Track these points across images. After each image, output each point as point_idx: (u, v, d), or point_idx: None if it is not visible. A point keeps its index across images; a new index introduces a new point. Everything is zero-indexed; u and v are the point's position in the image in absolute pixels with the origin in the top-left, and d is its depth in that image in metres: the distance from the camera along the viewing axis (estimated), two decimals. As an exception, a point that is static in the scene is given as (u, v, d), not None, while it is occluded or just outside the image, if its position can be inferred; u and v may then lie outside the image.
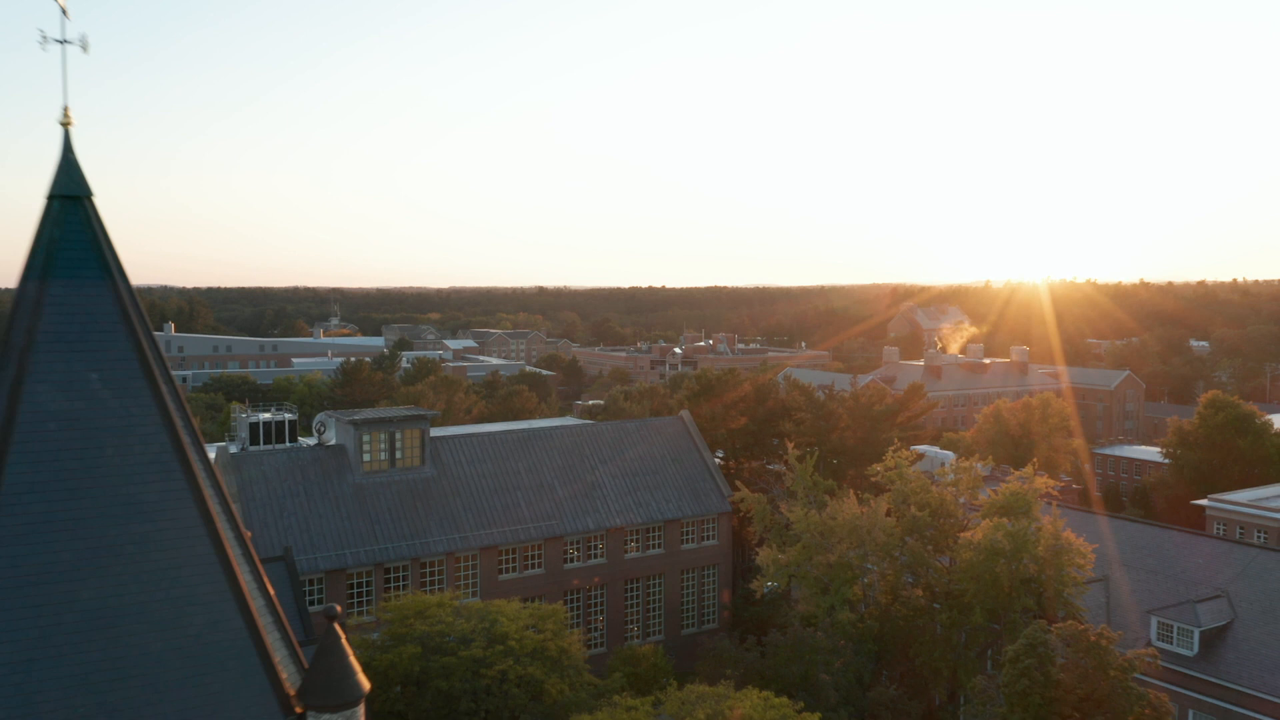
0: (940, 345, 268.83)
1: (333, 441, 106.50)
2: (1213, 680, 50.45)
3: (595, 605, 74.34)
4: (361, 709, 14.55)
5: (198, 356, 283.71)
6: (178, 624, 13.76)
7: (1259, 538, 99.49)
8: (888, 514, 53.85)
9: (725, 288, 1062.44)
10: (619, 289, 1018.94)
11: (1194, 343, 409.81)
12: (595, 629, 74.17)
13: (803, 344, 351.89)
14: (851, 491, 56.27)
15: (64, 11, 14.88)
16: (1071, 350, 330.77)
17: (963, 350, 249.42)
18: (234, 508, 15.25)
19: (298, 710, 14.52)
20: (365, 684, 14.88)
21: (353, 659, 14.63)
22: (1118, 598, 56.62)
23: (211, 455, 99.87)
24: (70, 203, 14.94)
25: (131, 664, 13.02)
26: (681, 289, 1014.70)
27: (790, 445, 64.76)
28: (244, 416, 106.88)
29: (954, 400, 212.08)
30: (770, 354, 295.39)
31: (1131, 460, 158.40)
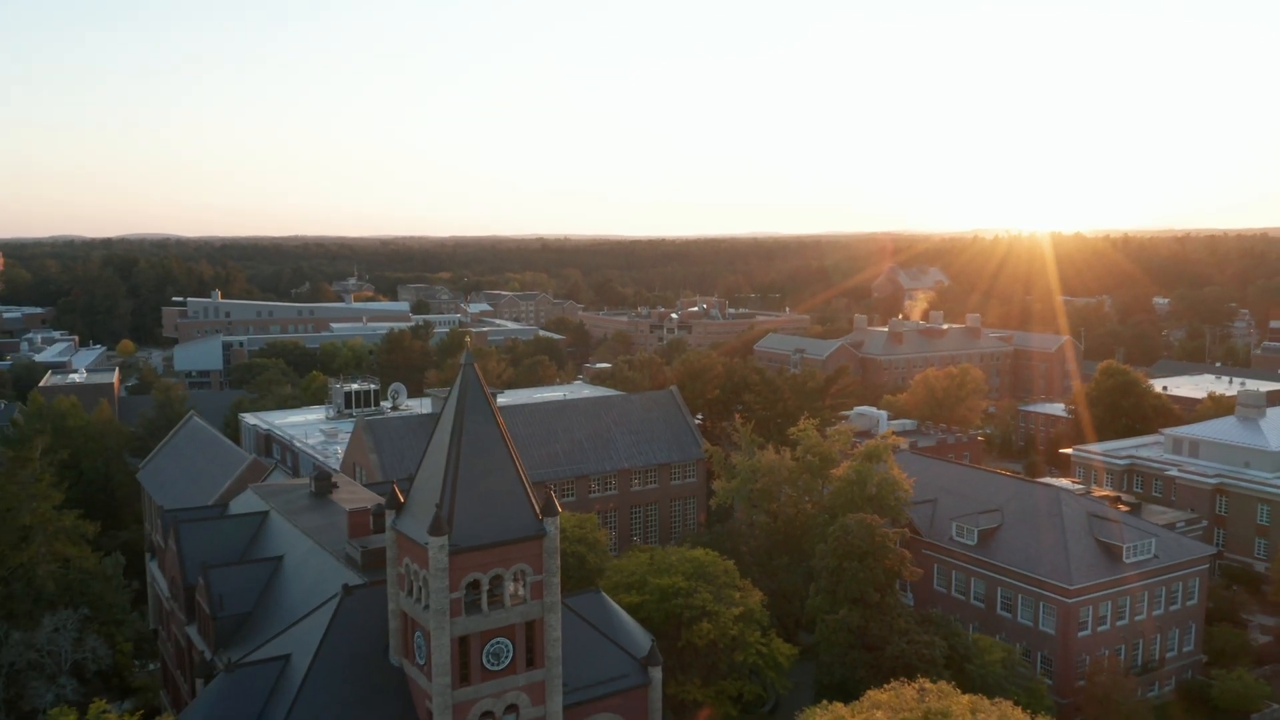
0: (904, 313, 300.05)
1: (404, 406, 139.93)
2: (984, 559, 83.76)
3: (610, 523, 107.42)
4: (559, 519, 47.44)
5: (243, 321, 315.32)
6: (501, 472, 47.12)
7: (1106, 480, 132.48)
8: (795, 459, 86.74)
9: (724, 239, 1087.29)
10: (620, 241, 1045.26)
11: (1157, 300, 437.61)
12: (610, 541, 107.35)
13: (786, 309, 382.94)
14: (771, 445, 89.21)
15: (467, 346, 47.22)
16: (1043, 309, 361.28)
17: (925, 316, 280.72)
18: (509, 437, 48.39)
19: (539, 518, 47.33)
20: (560, 509, 47.62)
21: (555, 500, 47.67)
22: (940, 511, 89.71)
23: (319, 416, 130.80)
24: (468, 369, 47.85)
25: (495, 482, 46.90)
26: (681, 241, 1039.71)
27: (738, 416, 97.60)
28: (339, 386, 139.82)
29: (912, 363, 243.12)
30: (758, 318, 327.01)
31: (1046, 415, 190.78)
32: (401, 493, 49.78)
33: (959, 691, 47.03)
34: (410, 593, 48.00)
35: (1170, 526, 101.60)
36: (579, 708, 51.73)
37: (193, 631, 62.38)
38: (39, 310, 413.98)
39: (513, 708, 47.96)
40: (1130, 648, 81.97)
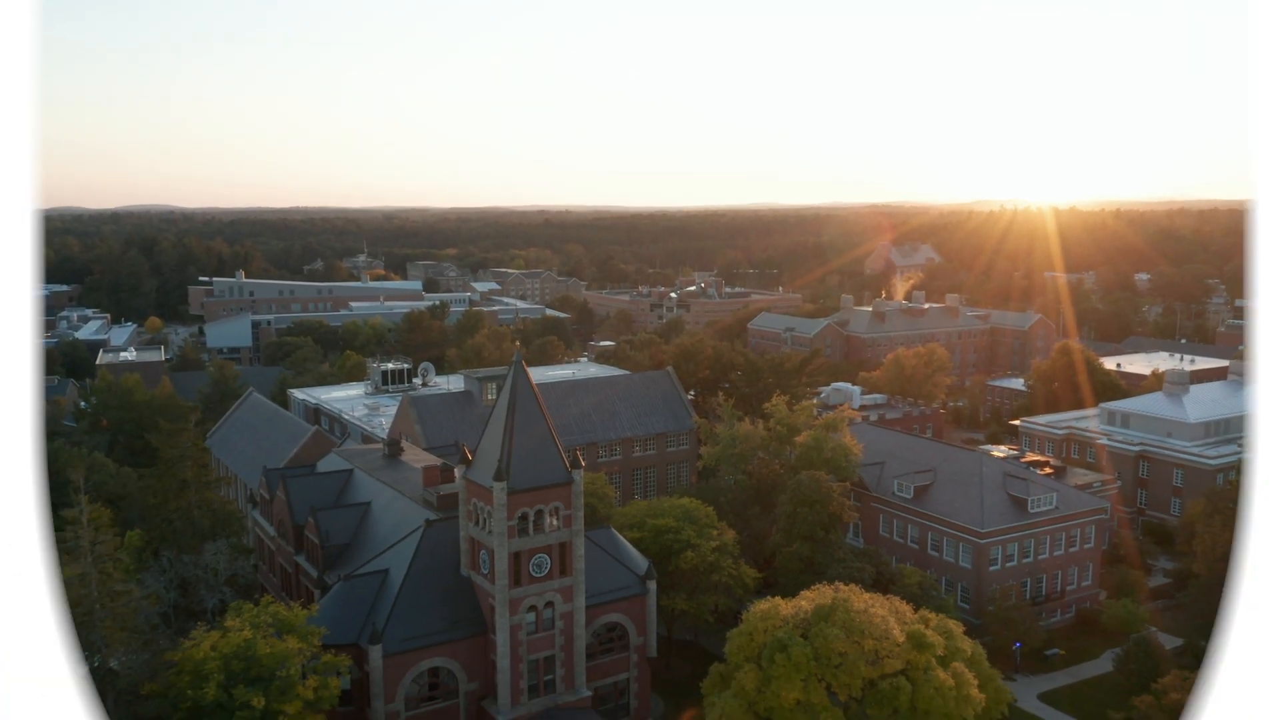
0: (887, 293, 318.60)
1: (434, 383, 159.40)
2: (918, 509, 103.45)
3: (615, 483, 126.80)
4: (582, 471, 66.78)
5: (266, 300, 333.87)
6: (542, 436, 66.42)
7: (1047, 447, 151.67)
8: (768, 430, 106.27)
9: (726, 211, 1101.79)
10: (622, 214, 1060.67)
11: (1139, 276, 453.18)
12: (616, 496, 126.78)
13: (780, 287, 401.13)
14: (748, 418, 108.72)
15: (518, 348, 66.08)
16: (1035, 286, 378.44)
17: (908, 296, 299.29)
18: (547, 413, 67.88)
19: (569, 469, 66.73)
20: (583, 463, 66.98)
21: (580, 458, 67.02)
22: (886, 471, 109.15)
23: (358, 391, 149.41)
24: (518, 364, 67.12)
25: (538, 444, 66.34)
26: (682, 214, 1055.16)
27: (721, 393, 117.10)
28: (376, 365, 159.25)
29: (894, 340, 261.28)
30: (753, 296, 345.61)
31: (1010, 390, 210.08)
32: (467, 454, 69.25)
33: (863, 592, 66.21)
34: (477, 523, 67.58)
35: (1087, 486, 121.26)
36: (596, 609, 71.56)
37: (301, 559, 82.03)
38: (65, 288, 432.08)
39: (550, 604, 67.82)
40: (1035, 581, 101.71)
